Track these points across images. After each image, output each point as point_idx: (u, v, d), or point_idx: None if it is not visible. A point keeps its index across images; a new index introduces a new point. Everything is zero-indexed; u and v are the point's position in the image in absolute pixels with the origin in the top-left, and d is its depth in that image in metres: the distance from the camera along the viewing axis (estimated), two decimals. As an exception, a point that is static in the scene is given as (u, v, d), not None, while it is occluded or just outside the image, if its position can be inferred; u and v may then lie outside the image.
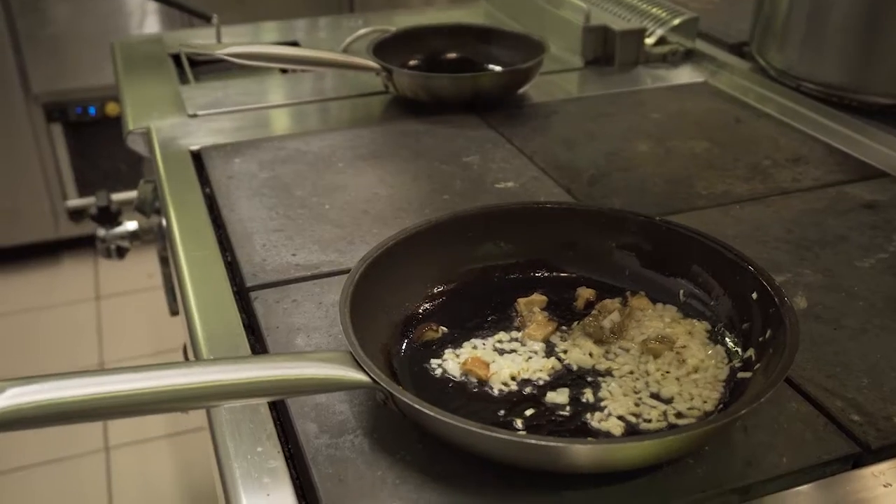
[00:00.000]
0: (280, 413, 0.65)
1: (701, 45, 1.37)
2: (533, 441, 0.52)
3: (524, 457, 0.54)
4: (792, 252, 0.83)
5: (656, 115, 1.16)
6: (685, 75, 1.32)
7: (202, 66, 1.46)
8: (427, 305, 0.73)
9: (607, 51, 1.35)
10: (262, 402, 0.64)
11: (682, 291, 0.72)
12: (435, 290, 0.74)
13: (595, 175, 0.99)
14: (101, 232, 1.43)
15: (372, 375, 0.56)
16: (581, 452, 0.53)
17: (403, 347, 0.68)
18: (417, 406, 0.54)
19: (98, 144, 2.59)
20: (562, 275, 0.76)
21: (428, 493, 0.56)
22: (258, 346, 0.72)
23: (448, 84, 1.14)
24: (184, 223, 0.91)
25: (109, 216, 1.42)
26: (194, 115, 1.17)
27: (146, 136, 1.13)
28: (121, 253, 1.46)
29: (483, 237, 0.76)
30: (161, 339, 2.31)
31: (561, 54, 1.38)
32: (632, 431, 0.60)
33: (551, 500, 0.55)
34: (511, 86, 1.18)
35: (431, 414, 0.53)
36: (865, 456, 0.59)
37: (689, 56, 1.37)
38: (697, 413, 0.61)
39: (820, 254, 0.83)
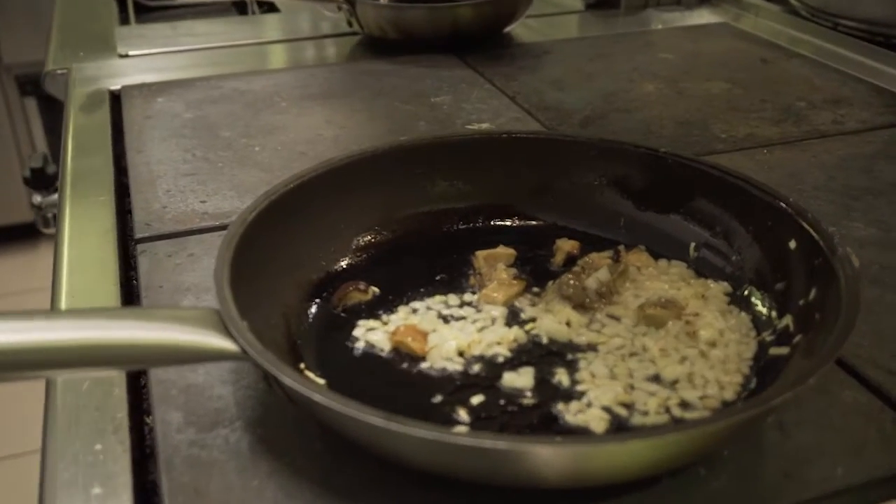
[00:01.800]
0: (140, 398, 0.47)
1: (721, -14, 1.19)
2: (470, 441, 0.34)
3: (458, 464, 0.37)
4: (836, 202, 0.65)
5: (667, 56, 0.98)
6: (702, 18, 1.14)
7: (153, 13, 1.29)
8: (356, 260, 0.55)
9: (612, -9, 1.17)
10: (92, 375, 0.47)
11: (693, 244, 0.54)
12: (368, 241, 0.56)
13: (590, 116, 0.81)
14: (37, 198, 1.26)
15: (241, 342, 0.39)
16: (544, 457, 0.35)
17: (314, 312, 0.50)
18: (301, 389, 0.37)
19: (75, 120, 2.43)
20: (536, 223, 0.59)
21: (321, 514, 0.38)
22: (131, 310, 0.55)
23: (421, 16, 0.97)
24: (80, 168, 0.74)
25: (45, 179, 1.25)
26: (125, 56, 1.00)
27: (65, 76, 0.96)
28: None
29: (435, 174, 0.59)
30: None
31: (558, -4, 1.20)
32: (620, 428, 0.42)
33: (498, 528, 0.38)
34: (496, 21, 1.00)
35: (315, 398, 0.36)
36: (955, 466, 0.41)
37: (707, -2, 1.19)
38: (713, 403, 0.43)
39: (872, 203, 0.64)
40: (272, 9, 1.27)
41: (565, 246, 0.56)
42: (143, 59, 1.00)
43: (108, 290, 0.57)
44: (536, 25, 1.09)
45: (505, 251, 0.55)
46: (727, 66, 0.94)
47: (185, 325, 0.40)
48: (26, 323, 0.38)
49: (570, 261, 0.55)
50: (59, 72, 0.98)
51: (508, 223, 0.59)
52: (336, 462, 0.41)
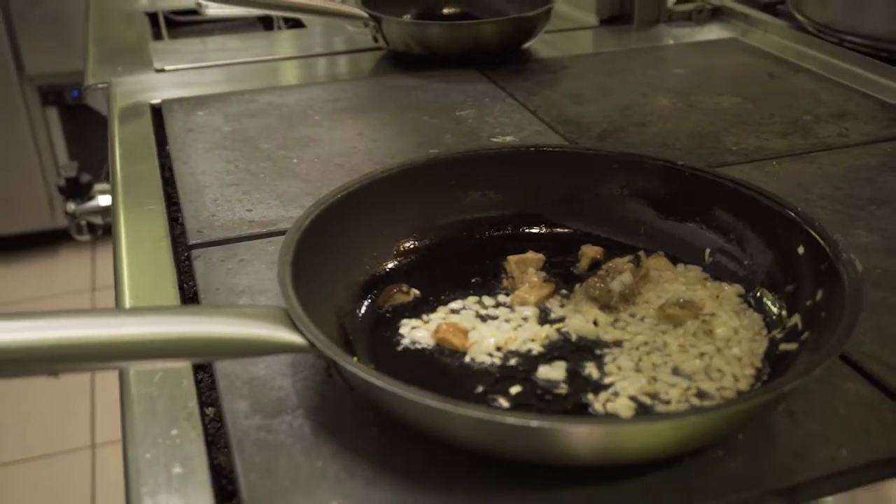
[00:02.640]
0: (208, 390, 0.52)
1: (730, 3, 1.24)
2: (513, 420, 0.39)
3: (503, 443, 0.41)
4: (841, 211, 0.69)
5: (679, 71, 1.02)
6: (712, 33, 1.19)
7: (183, 27, 1.34)
8: (397, 264, 0.60)
9: (625, 8, 1.22)
10: (167, 367, 0.52)
11: (708, 249, 0.59)
12: (408, 246, 0.61)
13: (607, 129, 0.86)
14: (71, 206, 1.32)
15: (308, 336, 0.44)
16: (578, 436, 0.40)
17: (363, 312, 0.55)
18: (362, 374, 0.41)
19: (96, 130, 2.46)
20: (563, 231, 0.63)
21: (379, 491, 0.43)
22: (192, 310, 0.59)
23: (444, 33, 1.02)
24: (129, 178, 0.78)
25: (79, 189, 1.30)
26: (161, 70, 1.05)
27: (106, 90, 1.01)
28: (93, 230, 1.34)
29: (468, 185, 0.63)
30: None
31: (573, 13, 1.25)
32: (646, 414, 0.46)
33: (537, 502, 0.42)
34: (515, 37, 1.05)
35: (378, 384, 0.40)
36: (948, 450, 0.46)
37: (717, 14, 1.23)
38: (729, 394, 0.48)
39: (875, 213, 0.69)
40: (297, 24, 1.32)
41: (590, 252, 0.60)
42: (178, 74, 1.05)
43: (168, 292, 0.61)
44: (553, 41, 1.14)
45: (534, 256, 0.60)
46: (737, 81, 0.99)
47: (255, 321, 0.45)
48: (116, 319, 0.43)
49: (595, 265, 0.59)
50: (99, 86, 1.03)
51: (536, 231, 0.64)
52: (391, 444, 0.46)
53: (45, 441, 1.89)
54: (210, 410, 0.51)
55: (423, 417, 0.42)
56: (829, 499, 0.44)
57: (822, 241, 0.51)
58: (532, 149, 0.65)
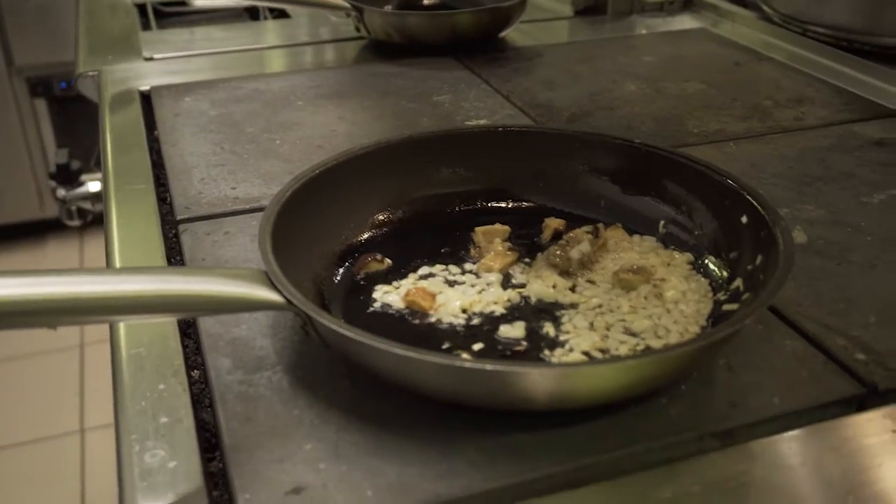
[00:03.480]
0: (193, 355, 0.56)
1: (700, -6, 1.28)
2: (470, 365, 0.43)
3: (463, 388, 0.45)
4: (791, 188, 0.74)
5: (649, 59, 1.07)
6: (684, 23, 1.23)
7: (171, 18, 1.38)
8: (372, 235, 0.64)
9: (599, -1, 1.26)
10: (155, 320, 0.56)
11: (662, 221, 0.63)
12: (382, 219, 0.65)
13: (576, 113, 0.90)
14: (61, 192, 1.35)
15: (285, 293, 0.48)
16: (529, 378, 0.44)
17: (339, 279, 0.59)
18: (334, 327, 0.45)
19: (84, 121, 2.50)
20: (528, 205, 0.68)
21: (350, 434, 0.47)
22: (179, 279, 0.63)
23: (423, 22, 1.06)
24: (119, 160, 0.82)
25: (69, 175, 1.34)
26: (150, 59, 1.09)
27: (96, 78, 1.05)
28: (83, 215, 1.37)
29: (441, 163, 0.67)
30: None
31: (550, 4, 1.29)
32: (596, 368, 0.51)
33: (496, 444, 0.46)
34: (492, 27, 1.09)
35: (349, 334, 0.44)
36: (871, 398, 0.50)
37: (689, 5, 1.28)
38: (675, 349, 0.52)
39: (823, 189, 0.73)
40: (282, 14, 1.35)
41: (553, 224, 0.65)
42: (166, 62, 1.09)
43: (157, 263, 0.65)
44: (529, 30, 1.18)
45: (501, 227, 0.64)
46: (703, 69, 1.03)
47: (237, 280, 0.48)
48: (110, 276, 0.46)
49: (557, 236, 0.63)
50: (90, 73, 1.06)
51: (503, 205, 0.68)
52: (362, 395, 0.49)
53: (35, 426, 1.92)
54: (195, 373, 0.55)
55: (391, 366, 0.46)
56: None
57: (762, 211, 0.55)
58: (500, 129, 0.69)
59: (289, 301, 0.48)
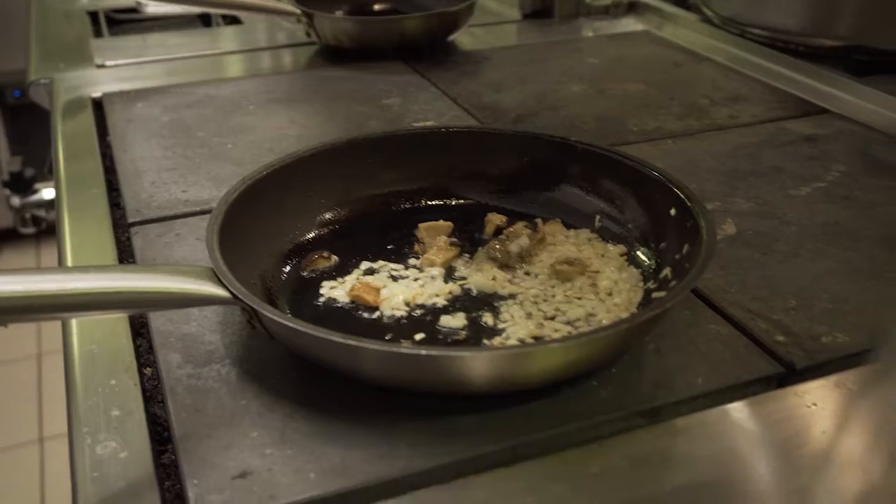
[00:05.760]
0: (146, 353, 0.58)
1: (644, -2, 1.32)
2: (406, 350, 0.46)
3: (401, 373, 0.48)
4: (723, 182, 0.77)
5: (593, 61, 1.10)
6: (628, 26, 1.27)
7: (123, 25, 1.38)
8: (319, 233, 0.66)
9: (546, 3, 1.30)
10: (106, 317, 0.57)
11: (598, 216, 0.66)
12: (329, 217, 0.67)
13: (522, 114, 0.93)
14: (16, 200, 1.35)
15: (231, 288, 0.50)
16: (466, 363, 0.46)
17: (286, 275, 0.61)
18: (278, 318, 0.47)
19: (38, 129, 2.47)
20: (471, 202, 0.70)
21: (296, 422, 0.49)
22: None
23: (372, 28, 1.08)
24: (72, 166, 0.83)
25: (23, 183, 1.34)
26: (102, 66, 1.10)
27: (48, 86, 1.05)
28: (37, 223, 1.38)
29: (386, 163, 0.70)
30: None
31: (497, 7, 1.32)
32: (532, 354, 0.53)
33: (435, 427, 0.48)
34: (440, 30, 1.11)
35: (291, 325, 0.47)
36: (790, 376, 0.53)
37: (633, 8, 1.32)
38: (606, 335, 0.55)
39: (753, 183, 0.77)
40: (235, 21, 1.37)
41: (494, 219, 0.67)
42: (118, 69, 1.10)
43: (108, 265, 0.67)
44: (478, 34, 1.21)
45: (444, 224, 0.66)
46: (645, 70, 1.07)
47: (184, 276, 0.50)
48: (60, 275, 0.48)
49: (499, 231, 0.66)
50: (42, 81, 1.07)
51: (447, 202, 0.70)
52: (307, 385, 0.52)
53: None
54: (148, 370, 0.57)
55: (333, 355, 0.48)
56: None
57: (689, 203, 0.59)
58: (444, 129, 0.72)
59: (234, 295, 0.50)
